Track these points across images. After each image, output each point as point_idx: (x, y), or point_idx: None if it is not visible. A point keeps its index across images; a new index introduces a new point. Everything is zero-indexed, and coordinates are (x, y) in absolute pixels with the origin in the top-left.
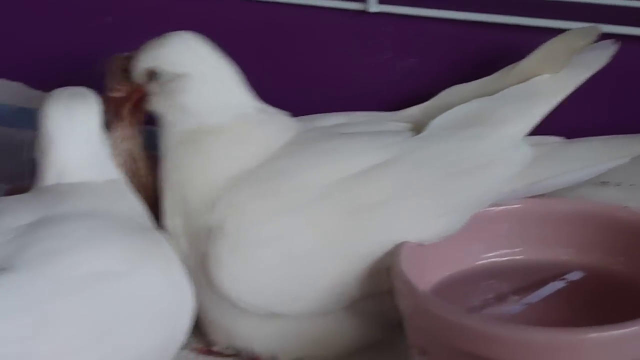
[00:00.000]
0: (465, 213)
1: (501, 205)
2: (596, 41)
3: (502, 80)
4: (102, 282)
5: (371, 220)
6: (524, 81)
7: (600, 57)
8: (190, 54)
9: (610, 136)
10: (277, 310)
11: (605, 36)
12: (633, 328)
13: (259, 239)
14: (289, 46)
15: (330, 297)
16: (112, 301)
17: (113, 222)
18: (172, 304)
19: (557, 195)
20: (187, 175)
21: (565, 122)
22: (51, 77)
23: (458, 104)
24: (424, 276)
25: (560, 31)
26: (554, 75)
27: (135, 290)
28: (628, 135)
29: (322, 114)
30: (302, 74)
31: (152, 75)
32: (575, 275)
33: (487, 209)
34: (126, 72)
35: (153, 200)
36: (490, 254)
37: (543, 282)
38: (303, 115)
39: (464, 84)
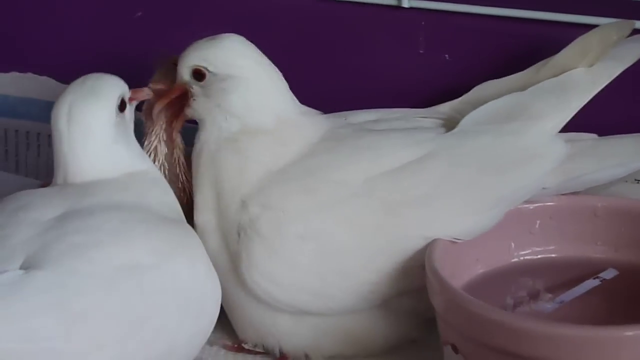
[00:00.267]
0: (500, 210)
1: (535, 202)
2: (629, 35)
3: (535, 76)
4: (131, 276)
5: (407, 217)
6: (556, 76)
7: (633, 51)
8: (240, 56)
9: None
10: (311, 309)
11: (638, 31)
12: None
13: (293, 237)
14: (321, 41)
15: (364, 295)
16: (142, 295)
17: (139, 214)
18: (199, 295)
19: (591, 193)
20: (223, 173)
21: (597, 118)
22: (79, 71)
23: (491, 99)
24: (457, 273)
25: (593, 26)
26: (587, 69)
27: (165, 283)
28: None
29: (354, 111)
30: (334, 69)
31: (198, 74)
32: (609, 274)
33: (521, 206)
34: (174, 68)
35: (188, 196)
36: (524, 252)
37: (577, 281)
38: (335, 110)
39: (497, 80)
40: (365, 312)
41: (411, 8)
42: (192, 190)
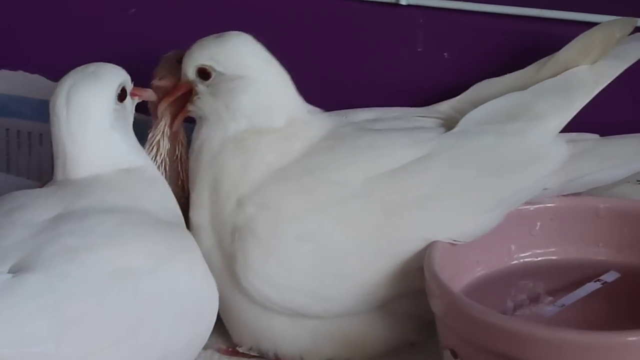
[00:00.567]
0: (501, 211)
1: (536, 203)
2: (632, 33)
3: (535, 74)
4: (125, 280)
5: (406, 219)
6: (557, 74)
7: (636, 50)
8: (249, 56)
9: None
10: (308, 312)
11: None
12: None
13: (289, 238)
14: (319, 38)
15: (362, 297)
16: (136, 300)
17: (135, 216)
18: (196, 300)
19: (592, 194)
20: (224, 171)
21: (599, 117)
22: (71, 69)
23: (490, 98)
24: (457, 276)
25: (594, 24)
26: (589, 68)
27: (160, 288)
28: None
29: (353, 109)
30: (332, 67)
31: (204, 73)
32: (611, 276)
33: (522, 207)
34: (178, 66)
35: (187, 193)
36: (524, 254)
37: (578, 283)
38: (333, 108)
39: (497, 78)
40: (363, 315)
41: (409, 5)
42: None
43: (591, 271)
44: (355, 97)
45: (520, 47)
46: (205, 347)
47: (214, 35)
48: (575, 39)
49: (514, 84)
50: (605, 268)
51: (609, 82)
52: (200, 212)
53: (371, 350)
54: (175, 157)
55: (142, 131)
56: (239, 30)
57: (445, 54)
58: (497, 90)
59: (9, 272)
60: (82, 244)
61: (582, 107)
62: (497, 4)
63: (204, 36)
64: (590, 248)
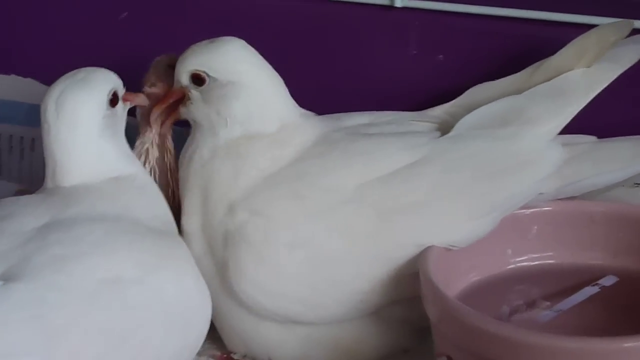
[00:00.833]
0: (495, 216)
1: (531, 207)
2: (628, 36)
3: (530, 78)
4: (113, 290)
5: (399, 224)
6: (551, 78)
7: (632, 53)
8: (242, 61)
9: None
10: (301, 318)
11: (637, 31)
12: None
13: (281, 245)
14: (312, 41)
15: (356, 304)
16: (126, 309)
17: (124, 225)
18: (186, 309)
19: (589, 197)
20: (215, 178)
21: (595, 120)
22: (64, 73)
23: (485, 102)
24: (452, 281)
25: (590, 26)
26: (585, 72)
27: (149, 297)
28: None
29: (346, 113)
30: (326, 70)
31: (198, 79)
32: (608, 280)
33: (517, 211)
34: (170, 70)
35: (177, 201)
36: (520, 258)
37: (575, 288)
38: (326, 112)
39: (491, 82)
40: (357, 321)
41: (404, 8)
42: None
43: (587, 276)
44: (349, 101)
45: (516, 50)
46: (199, 354)
47: (207, 40)
48: (570, 43)
49: (508, 88)
50: (601, 273)
51: (604, 86)
52: (191, 219)
53: (364, 357)
54: (164, 166)
55: (133, 135)
56: (231, 35)
57: (440, 56)
58: (491, 94)
59: None
60: (70, 253)
61: (577, 111)
62: (492, 6)
63: (196, 40)
64: (586, 252)
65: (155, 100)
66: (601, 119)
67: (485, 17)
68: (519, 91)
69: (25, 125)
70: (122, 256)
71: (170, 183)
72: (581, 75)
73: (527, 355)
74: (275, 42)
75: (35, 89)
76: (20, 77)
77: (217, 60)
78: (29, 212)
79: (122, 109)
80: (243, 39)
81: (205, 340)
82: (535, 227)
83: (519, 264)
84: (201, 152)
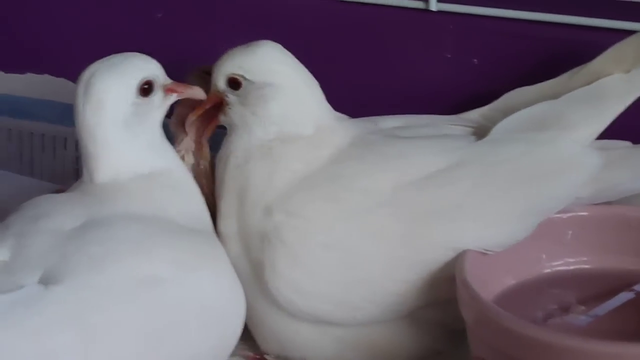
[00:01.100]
0: (533, 220)
1: (567, 212)
2: None
3: (568, 83)
4: (151, 290)
5: (435, 228)
6: (590, 83)
7: None
8: (278, 63)
9: None
10: (336, 320)
11: None
12: None
13: (317, 246)
14: (347, 45)
15: (391, 306)
16: (163, 308)
17: (160, 225)
18: (223, 308)
19: (625, 202)
20: (250, 179)
21: (631, 124)
22: None
23: (522, 107)
24: (488, 285)
25: (628, 32)
26: (623, 77)
27: (187, 297)
28: None
29: (381, 116)
30: (360, 74)
31: (234, 83)
32: None
33: (553, 216)
34: (206, 77)
35: (212, 206)
36: (556, 263)
37: (611, 293)
38: (361, 115)
39: (528, 87)
40: (390, 323)
41: (439, 11)
42: (214, 199)
43: (623, 281)
44: (384, 104)
45: (551, 54)
46: (232, 354)
47: (243, 45)
48: (609, 49)
49: (545, 93)
50: (637, 277)
51: None
52: (228, 221)
53: (397, 358)
54: (200, 172)
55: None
56: (266, 38)
57: (475, 60)
58: (529, 99)
59: (39, 282)
60: (108, 253)
61: (615, 116)
62: (528, 10)
63: (230, 41)
64: (622, 257)
65: (190, 107)
66: (636, 123)
67: (520, 21)
68: (556, 96)
69: (58, 124)
70: (160, 256)
71: (205, 189)
72: (619, 80)
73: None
74: (311, 46)
75: (67, 88)
76: (52, 77)
77: (254, 63)
78: (67, 211)
79: (159, 99)
80: (279, 42)
81: (238, 341)
82: (571, 232)
83: (554, 269)
84: (237, 153)
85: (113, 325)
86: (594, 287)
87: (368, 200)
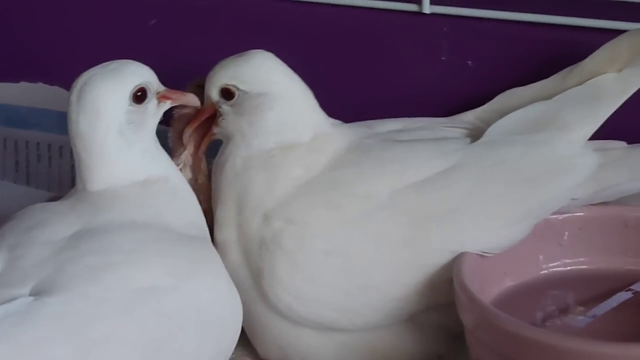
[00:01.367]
0: (530, 221)
1: (564, 213)
2: None
3: (561, 83)
4: (148, 299)
5: (434, 231)
6: (583, 83)
7: None
8: (272, 73)
9: None
10: (335, 325)
11: None
12: None
13: (317, 253)
14: (341, 49)
15: (390, 310)
16: (161, 318)
17: (156, 233)
18: (220, 315)
19: (621, 203)
20: (248, 188)
21: (625, 124)
22: None
23: (516, 108)
24: (486, 287)
25: (621, 32)
26: (616, 75)
27: (184, 305)
28: None
29: (377, 120)
30: (355, 77)
31: (227, 93)
32: None
33: (550, 217)
34: (199, 90)
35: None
36: (553, 264)
37: (608, 293)
38: (356, 119)
39: (522, 87)
40: (391, 328)
41: (433, 14)
42: (212, 212)
43: (620, 281)
44: (380, 108)
45: (546, 55)
46: None
47: (235, 55)
48: (602, 47)
49: (539, 93)
50: (634, 277)
51: (635, 90)
52: (226, 229)
53: None
54: (197, 186)
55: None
56: (260, 43)
57: (469, 62)
58: (523, 99)
59: (30, 294)
60: (102, 263)
61: (608, 115)
62: (522, 11)
63: (225, 47)
64: (619, 257)
65: (186, 121)
66: (631, 123)
67: (514, 22)
68: (550, 96)
69: (53, 133)
70: (156, 264)
71: (204, 204)
72: (612, 79)
73: None
74: (305, 50)
75: (62, 96)
76: (47, 85)
77: (247, 73)
78: (60, 220)
79: (153, 107)
80: (272, 48)
81: (237, 348)
82: (567, 233)
83: (552, 270)
84: (234, 161)
85: (109, 336)
86: (592, 287)
87: (367, 206)
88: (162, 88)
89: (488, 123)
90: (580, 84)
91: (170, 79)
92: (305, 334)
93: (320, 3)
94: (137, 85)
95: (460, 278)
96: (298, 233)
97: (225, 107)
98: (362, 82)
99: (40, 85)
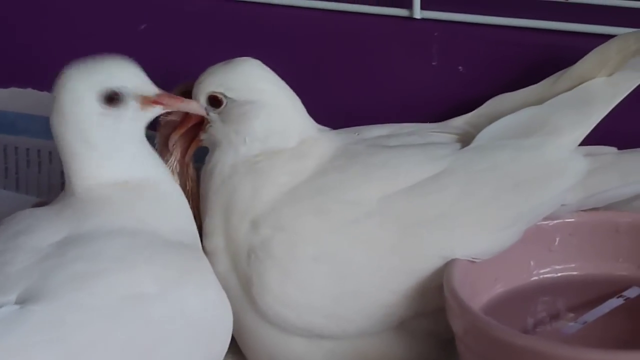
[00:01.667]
0: (519, 227)
1: (554, 218)
2: None
3: (551, 87)
4: (135, 307)
5: (423, 237)
6: (573, 88)
7: None
8: (259, 80)
9: None
10: (325, 332)
11: None
12: None
13: (306, 260)
14: (331, 53)
15: (380, 317)
16: (148, 326)
17: (143, 239)
18: (210, 321)
19: (611, 208)
20: (235, 194)
21: (616, 129)
22: None
23: (506, 113)
24: (476, 294)
25: (611, 36)
26: (606, 80)
27: (172, 312)
28: None
29: (366, 126)
30: (345, 82)
31: (215, 101)
32: (633, 292)
33: (540, 222)
34: (186, 97)
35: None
36: (544, 270)
37: (600, 299)
38: (346, 125)
39: (512, 92)
40: (382, 335)
41: (423, 19)
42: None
43: (612, 287)
44: (370, 113)
45: (536, 60)
46: None
47: (223, 62)
48: (591, 52)
49: (529, 98)
50: (626, 284)
51: (626, 94)
52: (214, 237)
53: None
54: (186, 193)
55: None
56: (248, 48)
57: (460, 67)
58: (513, 104)
59: (16, 301)
60: (90, 270)
61: (599, 120)
62: (512, 16)
63: (214, 53)
64: (610, 263)
65: (172, 128)
66: (621, 128)
67: (505, 27)
68: (540, 101)
69: (42, 138)
70: (144, 271)
71: (195, 211)
72: (603, 84)
73: None
74: (295, 56)
75: (50, 102)
76: (36, 91)
77: (234, 81)
78: (47, 226)
79: (133, 111)
80: (261, 53)
81: (227, 356)
82: (558, 238)
83: (542, 276)
84: (222, 168)
85: (96, 344)
86: (583, 293)
87: (355, 211)
88: (152, 92)
89: (478, 128)
90: (570, 88)
91: (159, 85)
92: (295, 342)
93: (310, 8)
94: (107, 88)
95: (450, 284)
96: (287, 240)
97: (212, 115)
98: (353, 87)
99: (29, 90)
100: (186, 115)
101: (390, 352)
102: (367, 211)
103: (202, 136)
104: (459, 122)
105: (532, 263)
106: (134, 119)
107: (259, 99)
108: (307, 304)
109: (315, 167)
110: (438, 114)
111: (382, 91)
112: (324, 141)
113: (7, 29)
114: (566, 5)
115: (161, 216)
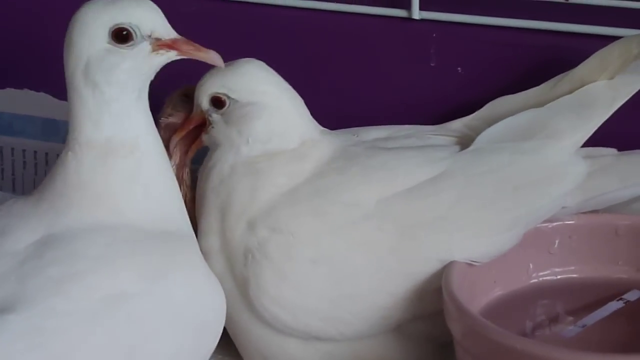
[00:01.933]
0: (518, 230)
1: (554, 221)
2: None
3: (551, 90)
4: (117, 307)
5: (421, 240)
6: (574, 91)
7: None
8: (262, 82)
9: None
10: (322, 335)
11: None
12: None
13: (304, 262)
14: (330, 54)
15: (377, 319)
16: (131, 324)
17: (124, 233)
18: (198, 311)
19: (611, 211)
20: (233, 195)
21: (616, 131)
22: None
23: (506, 115)
24: (475, 297)
25: (612, 38)
26: (607, 83)
27: (157, 307)
28: None
29: (364, 127)
30: (343, 83)
31: (218, 102)
32: (633, 295)
33: (539, 225)
34: (185, 99)
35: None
36: (543, 273)
37: (599, 303)
38: (344, 126)
39: (511, 95)
40: (378, 337)
41: (422, 20)
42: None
43: (611, 290)
44: (368, 114)
45: (536, 62)
46: None
47: (226, 63)
48: (593, 55)
49: (529, 101)
50: (625, 287)
51: (627, 98)
52: (210, 238)
53: None
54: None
55: None
56: (249, 48)
57: (459, 68)
58: (512, 107)
59: None
60: (66, 272)
61: (600, 124)
62: (512, 17)
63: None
64: (609, 266)
65: (173, 130)
66: (622, 130)
67: (504, 28)
68: (540, 104)
69: (39, 140)
70: (125, 269)
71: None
72: (604, 87)
73: None
74: (294, 56)
75: (47, 103)
76: (32, 92)
77: (237, 82)
78: (22, 226)
79: (143, 52)
80: (260, 54)
81: (224, 356)
82: (558, 241)
83: (541, 279)
84: (221, 168)
85: (77, 349)
86: (582, 297)
87: (353, 214)
88: (167, 35)
89: (477, 131)
90: (570, 91)
91: (158, 86)
92: (291, 344)
93: (309, 9)
94: (118, 24)
95: (449, 287)
96: (284, 242)
97: (215, 116)
98: (351, 88)
99: (26, 91)
100: (187, 118)
101: (388, 355)
102: (365, 213)
103: (204, 137)
104: (458, 124)
105: (531, 266)
106: (141, 62)
107: (262, 100)
108: (304, 306)
109: (314, 168)
110: (436, 115)
111: (381, 92)
112: (323, 143)
113: (3, 30)
114: (566, 6)
115: (143, 203)
